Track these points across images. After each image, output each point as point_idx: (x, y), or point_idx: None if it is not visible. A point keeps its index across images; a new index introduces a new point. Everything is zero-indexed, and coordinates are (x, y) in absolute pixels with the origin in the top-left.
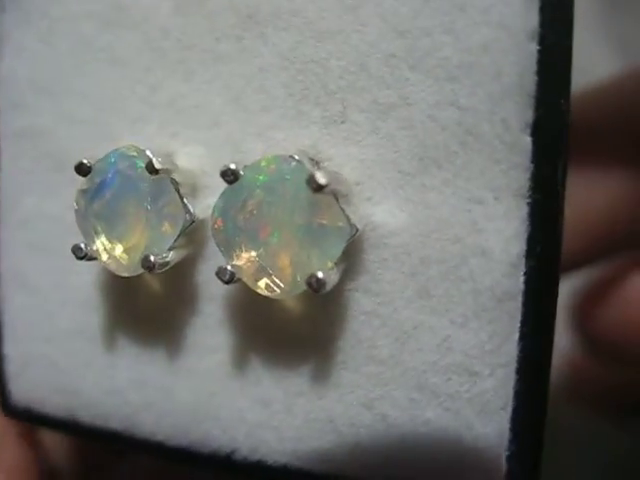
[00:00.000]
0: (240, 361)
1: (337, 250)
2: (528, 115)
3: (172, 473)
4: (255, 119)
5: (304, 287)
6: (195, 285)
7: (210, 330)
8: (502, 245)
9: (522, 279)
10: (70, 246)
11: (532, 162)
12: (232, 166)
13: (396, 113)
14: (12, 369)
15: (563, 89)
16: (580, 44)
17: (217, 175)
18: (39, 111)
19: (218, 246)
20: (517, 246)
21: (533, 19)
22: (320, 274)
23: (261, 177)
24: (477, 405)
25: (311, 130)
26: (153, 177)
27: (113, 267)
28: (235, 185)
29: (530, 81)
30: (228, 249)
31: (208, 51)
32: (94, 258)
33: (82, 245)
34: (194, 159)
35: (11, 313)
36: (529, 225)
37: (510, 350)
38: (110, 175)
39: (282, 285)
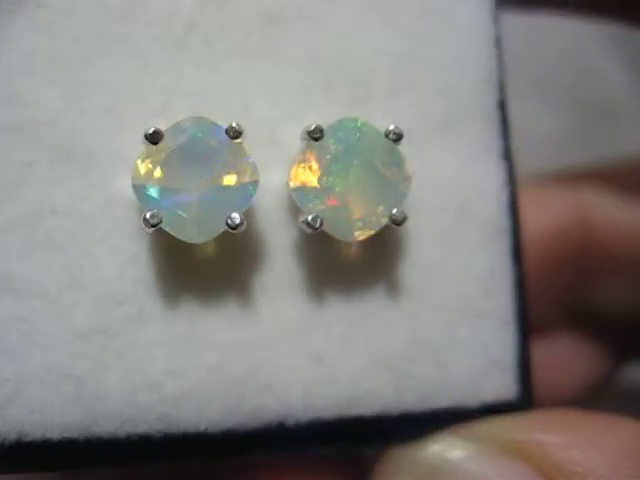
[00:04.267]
0: (289, 322)
1: (405, 193)
2: (497, 97)
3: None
4: (286, 104)
5: (384, 223)
6: (239, 257)
7: (256, 299)
8: (497, 190)
9: (510, 217)
10: (83, 240)
11: (502, 131)
12: (315, 125)
13: (407, 96)
14: None
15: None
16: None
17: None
18: (39, 102)
19: (298, 201)
20: (506, 192)
21: (493, 30)
22: (400, 210)
23: (339, 134)
24: (496, 318)
25: (338, 110)
26: (235, 141)
27: (185, 234)
28: (317, 143)
29: (495, 73)
30: (307, 202)
31: (235, 45)
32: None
33: (148, 214)
34: None
35: None
36: (508, 178)
37: (508, 270)
38: (184, 142)
39: (361, 225)
